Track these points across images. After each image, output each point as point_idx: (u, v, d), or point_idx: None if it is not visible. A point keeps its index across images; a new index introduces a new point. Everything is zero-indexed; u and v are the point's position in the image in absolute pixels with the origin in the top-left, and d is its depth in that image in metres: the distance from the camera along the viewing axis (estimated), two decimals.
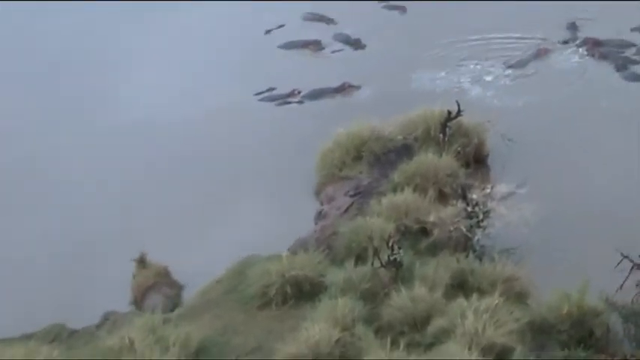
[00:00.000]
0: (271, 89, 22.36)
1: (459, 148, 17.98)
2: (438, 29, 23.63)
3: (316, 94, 21.90)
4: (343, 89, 21.80)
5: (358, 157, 18.29)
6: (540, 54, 22.44)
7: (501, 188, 16.53)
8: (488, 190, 16.04)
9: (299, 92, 22.17)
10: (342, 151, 18.20)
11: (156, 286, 15.77)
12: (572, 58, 22.32)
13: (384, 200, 15.92)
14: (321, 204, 17.36)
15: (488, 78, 21.82)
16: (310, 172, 18.14)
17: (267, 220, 17.28)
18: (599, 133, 18.86)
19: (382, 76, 22.07)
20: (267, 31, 25.27)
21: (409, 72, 22.07)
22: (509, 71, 21.96)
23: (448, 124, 17.94)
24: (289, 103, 21.86)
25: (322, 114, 20.57)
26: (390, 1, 25.97)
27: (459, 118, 17.74)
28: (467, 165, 17.64)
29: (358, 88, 21.85)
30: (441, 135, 17.96)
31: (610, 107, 19.71)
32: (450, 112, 17.82)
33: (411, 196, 15.96)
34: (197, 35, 24.73)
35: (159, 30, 24.92)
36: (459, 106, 17.82)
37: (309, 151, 18.35)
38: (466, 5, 24.36)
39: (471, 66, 22.32)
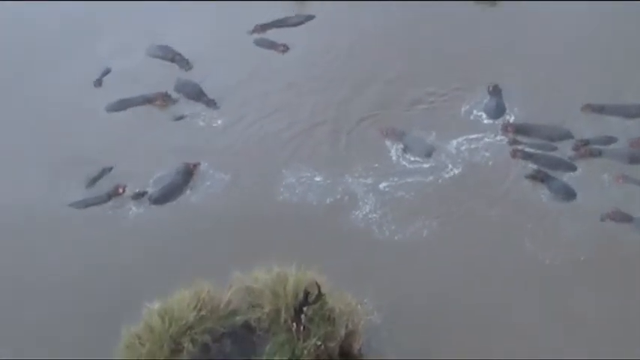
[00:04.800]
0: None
1: (318, 342, 12.73)
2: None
3: None
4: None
5: (178, 350, 12.66)
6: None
7: None
8: None
9: (123, 190, 16.15)
10: (154, 341, 12.50)
11: None
12: (480, 157, 16.70)
13: None
14: None
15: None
16: None
17: None
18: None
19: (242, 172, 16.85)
20: (97, 81, 18.93)
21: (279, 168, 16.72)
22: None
23: (305, 309, 12.40)
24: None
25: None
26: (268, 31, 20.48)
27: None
28: None
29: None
30: (294, 324, 12.19)
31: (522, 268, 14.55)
32: (307, 294, 12.26)
33: None
34: None
35: None
36: (319, 288, 12.18)
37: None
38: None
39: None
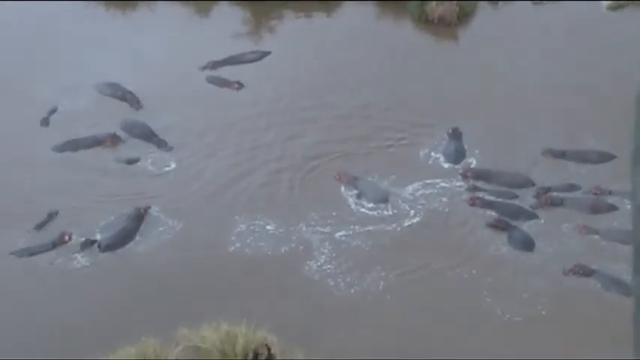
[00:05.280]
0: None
1: None
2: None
3: None
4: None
5: None
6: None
7: None
8: None
9: (69, 237, 15.48)
10: None
11: None
12: (437, 203, 16.34)
13: None
14: None
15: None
16: None
17: None
18: None
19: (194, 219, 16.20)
20: (44, 120, 18.28)
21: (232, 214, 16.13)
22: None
23: None
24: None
25: None
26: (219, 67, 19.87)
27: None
28: None
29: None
30: None
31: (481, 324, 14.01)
32: (257, 355, 11.73)
33: None
34: None
35: None
36: (269, 349, 11.62)
37: None
38: None
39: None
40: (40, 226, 16.17)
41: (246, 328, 12.40)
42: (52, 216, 16.40)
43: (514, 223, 15.70)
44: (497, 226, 15.52)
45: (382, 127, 18.22)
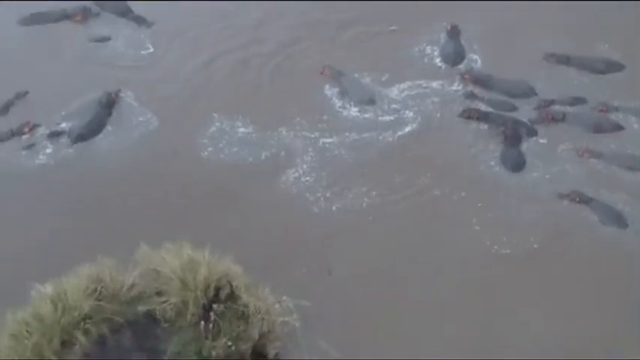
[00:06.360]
0: None
1: (229, 343, 11.06)
2: None
3: None
4: None
5: (70, 343, 11.05)
6: None
7: None
8: None
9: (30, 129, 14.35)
10: (43, 333, 10.91)
11: None
12: (429, 111, 14.97)
13: None
14: None
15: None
16: None
17: None
18: None
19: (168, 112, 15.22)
20: None
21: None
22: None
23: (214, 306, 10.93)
24: None
25: None
26: None
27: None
28: None
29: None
30: (203, 322, 10.79)
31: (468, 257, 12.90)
32: (218, 289, 10.91)
33: None
34: None
35: None
36: (231, 286, 10.92)
37: None
38: None
39: None
40: (7, 107, 14.94)
41: (210, 254, 11.28)
42: (19, 96, 15.14)
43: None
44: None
45: (370, 15, 16.54)
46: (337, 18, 16.59)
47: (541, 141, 14.51)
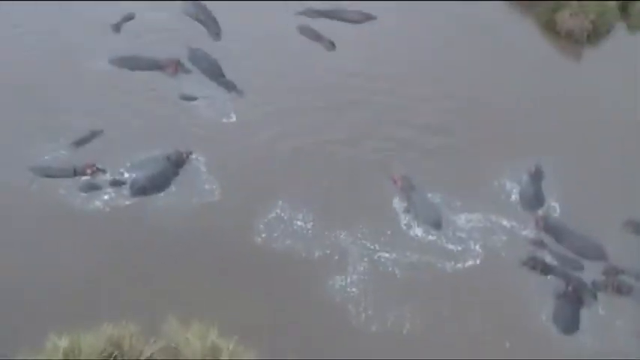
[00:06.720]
0: None
1: None
2: None
3: None
4: None
5: None
6: None
7: None
8: None
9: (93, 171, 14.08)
10: None
11: None
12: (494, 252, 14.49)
13: None
14: None
15: None
16: None
17: None
18: None
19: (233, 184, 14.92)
20: (115, 26, 16.99)
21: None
22: None
23: None
24: None
25: None
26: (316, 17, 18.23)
27: None
28: None
29: None
30: None
31: None
32: None
33: None
34: None
35: None
36: None
37: None
38: None
39: None
40: (79, 144, 14.80)
41: (236, 344, 10.85)
42: (95, 135, 15.04)
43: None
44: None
45: (457, 127, 16.21)
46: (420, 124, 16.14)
47: (599, 308, 13.67)
